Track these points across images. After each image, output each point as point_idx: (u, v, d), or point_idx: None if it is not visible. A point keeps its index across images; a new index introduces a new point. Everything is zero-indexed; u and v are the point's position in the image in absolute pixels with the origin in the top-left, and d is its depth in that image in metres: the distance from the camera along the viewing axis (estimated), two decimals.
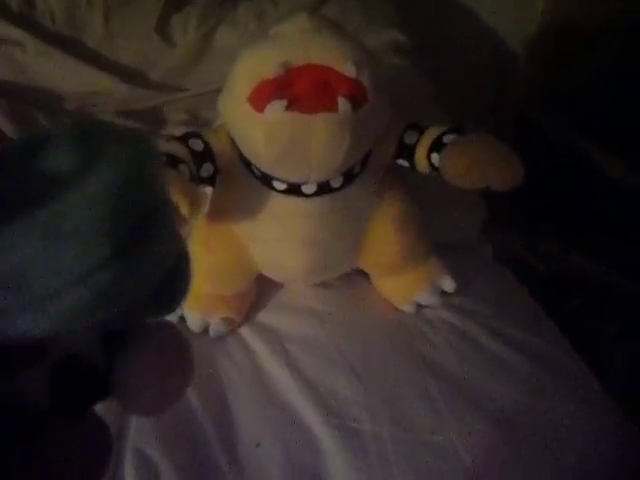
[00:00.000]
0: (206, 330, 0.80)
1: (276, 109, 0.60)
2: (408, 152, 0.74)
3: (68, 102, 1.03)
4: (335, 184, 0.71)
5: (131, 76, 1.05)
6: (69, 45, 1.04)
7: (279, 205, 0.72)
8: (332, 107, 0.61)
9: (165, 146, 0.69)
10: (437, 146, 0.70)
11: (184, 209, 0.57)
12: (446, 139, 0.70)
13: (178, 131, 0.78)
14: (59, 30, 1.05)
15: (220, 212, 0.77)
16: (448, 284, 0.85)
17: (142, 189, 0.22)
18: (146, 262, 0.22)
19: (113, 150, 0.22)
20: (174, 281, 0.26)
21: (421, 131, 0.73)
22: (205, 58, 1.10)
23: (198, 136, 0.72)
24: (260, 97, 0.61)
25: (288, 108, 0.60)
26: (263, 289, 0.86)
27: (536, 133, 1.34)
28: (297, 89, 0.60)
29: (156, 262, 0.22)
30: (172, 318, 0.68)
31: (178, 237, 0.25)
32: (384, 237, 0.80)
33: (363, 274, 0.87)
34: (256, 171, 0.71)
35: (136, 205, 0.21)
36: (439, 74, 1.21)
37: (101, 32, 1.05)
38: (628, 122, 1.17)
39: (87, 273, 0.19)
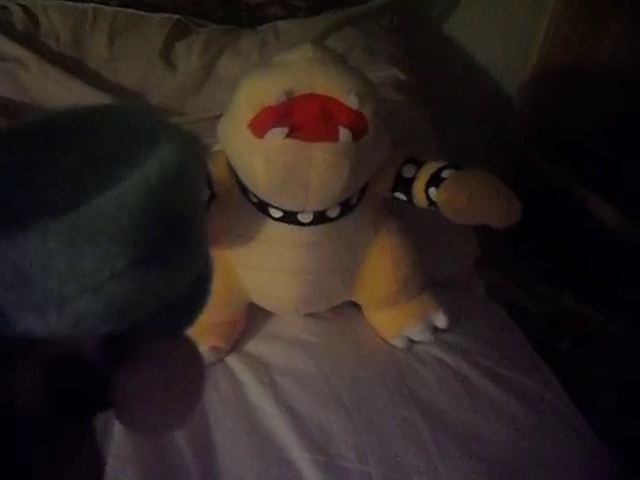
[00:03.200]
0: None
1: (277, 136, 0.60)
2: (405, 185, 0.74)
3: None
4: (332, 214, 0.71)
5: (132, 98, 1.06)
6: (72, 66, 1.05)
7: (274, 233, 0.72)
8: (333, 137, 0.61)
9: None
10: (435, 181, 0.70)
11: None
12: (444, 174, 0.70)
13: None
14: (63, 51, 1.06)
15: (213, 237, 0.76)
16: (440, 320, 0.84)
17: (178, 195, 0.20)
18: (166, 276, 0.20)
19: (158, 146, 0.20)
20: (190, 300, 0.24)
21: (419, 165, 0.74)
22: (206, 85, 1.11)
23: None
24: (261, 123, 0.61)
25: (289, 135, 0.60)
26: (253, 318, 0.85)
27: (531, 174, 1.36)
28: (299, 117, 0.61)
29: (177, 277, 0.20)
30: None
31: (205, 254, 0.23)
32: (378, 270, 0.79)
33: (355, 306, 0.86)
34: (253, 197, 0.70)
35: (168, 212, 0.19)
36: (436, 113, 1.23)
37: (105, 54, 1.06)
38: (624, 168, 1.18)
39: (103, 281, 0.18)
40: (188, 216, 0.21)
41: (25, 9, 1.08)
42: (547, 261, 1.27)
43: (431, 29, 1.41)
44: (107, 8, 1.10)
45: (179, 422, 0.27)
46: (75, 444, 0.24)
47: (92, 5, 1.10)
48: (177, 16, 1.13)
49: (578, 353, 1.06)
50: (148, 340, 0.25)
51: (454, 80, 1.44)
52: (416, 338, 0.83)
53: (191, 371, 0.27)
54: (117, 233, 0.18)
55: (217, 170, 0.72)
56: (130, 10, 1.11)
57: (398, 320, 0.83)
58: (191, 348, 0.28)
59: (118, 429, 0.68)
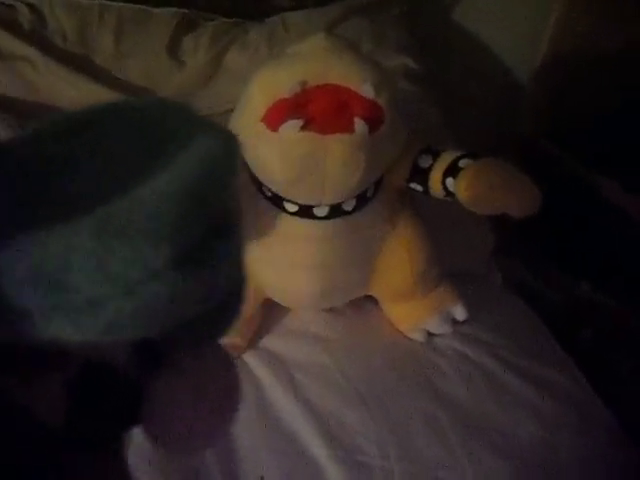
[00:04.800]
0: None
1: (291, 128, 0.59)
2: (422, 176, 0.72)
3: None
4: (347, 207, 0.69)
5: (140, 94, 1.05)
6: (79, 63, 1.04)
7: (289, 227, 0.71)
8: (348, 128, 0.60)
9: None
10: (452, 170, 0.69)
11: None
12: (462, 163, 0.68)
13: None
14: (70, 48, 1.05)
15: None
16: (459, 312, 0.83)
17: (218, 193, 0.18)
18: (205, 280, 0.18)
19: (195, 139, 0.18)
20: (223, 311, 0.23)
21: (435, 155, 0.72)
22: (215, 80, 1.10)
23: None
24: (275, 116, 0.60)
25: (303, 128, 0.59)
26: (269, 314, 0.84)
27: (543, 163, 1.34)
28: (313, 109, 0.59)
29: (218, 281, 0.19)
30: None
31: (242, 262, 0.21)
32: (395, 263, 0.78)
33: (372, 300, 0.85)
34: (267, 192, 0.69)
35: (210, 210, 0.18)
36: (446, 102, 1.21)
37: (112, 51, 1.05)
38: (638, 153, 1.16)
39: (137, 282, 0.16)
40: (231, 216, 0.19)
41: (31, 7, 1.06)
42: (563, 250, 1.25)
43: (441, 18, 1.38)
44: (113, 4, 1.09)
45: (211, 440, 0.25)
46: (104, 467, 0.22)
47: (98, 1, 1.09)
48: (184, 10, 1.12)
49: (598, 344, 1.04)
50: (180, 350, 0.24)
51: (464, 69, 1.41)
52: (435, 331, 0.82)
53: (225, 384, 0.25)
54: (151, 230, 0.16)
55: None
56: (136, 5, 1.10)
57: (416, 313, 0.82)
58: (224, 358, 0.26)
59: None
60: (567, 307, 1.15)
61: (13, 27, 1.04)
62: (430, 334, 0.83)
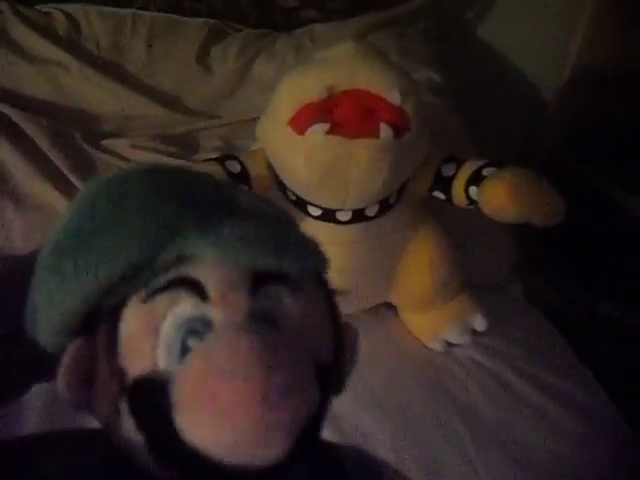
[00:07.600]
0: None
1: (317, 132, 0.60)
2: (445, 184, 0.73)
3: (106, 124, 1.04)
4: (370, 213, 0.70)
5: (169, 101, 1.07)
6: (111, 69, 1.07)
7: (312, 231, 0.69)
8: (374, 133, 0.60)
9: (202, 166, 0.69)
10: (476, 179, 0.69)
11: None
12: (485, 172, 0.69)
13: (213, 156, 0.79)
14: (103, 55, 1.08)
15: None
16: (479, 323, 0.82)
17: None
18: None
19: None
20: None
21: (459, 164, 0.73)
22: (242, 88, 1.12)
23: (235, 158, 0.72)
24: (302, 120, 0.61)
25: (330, 132, 0.60)
26: None
27: (567, 178, 1.33)
28: (340, 113, 0.60)
29: None
30: None
31: None
32: (416, 270, 0.78)
33: (391, 308, 0.85)
34: (291, 195, 0.70)
35: None
36: (469, 114, 1.21)
37: (143, 58, 1.08)
38: None
39: None
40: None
41: (67, 15, 1.10)
42: (586, 266, 1.24)
43: (466, 32, 1.39)
44: (146, 13, 1.12)
45: None
46: None
47: (131, 10, 1.12)
48: (213, 21, 1.15)
49: (619, 361, 1.03)
50: None
51: (489, 82, 1.42)
52: (454, 341, 0.82)
53: None
54: None
55: (255, 169, 0.72)
56: (168, 15, 1.13)
57: (435, 322, 0.82)
58: None
59: None
60: (587, 325, 1.13)
61: (49, 33, 1.07)
62: (449, 344, 0.82)
